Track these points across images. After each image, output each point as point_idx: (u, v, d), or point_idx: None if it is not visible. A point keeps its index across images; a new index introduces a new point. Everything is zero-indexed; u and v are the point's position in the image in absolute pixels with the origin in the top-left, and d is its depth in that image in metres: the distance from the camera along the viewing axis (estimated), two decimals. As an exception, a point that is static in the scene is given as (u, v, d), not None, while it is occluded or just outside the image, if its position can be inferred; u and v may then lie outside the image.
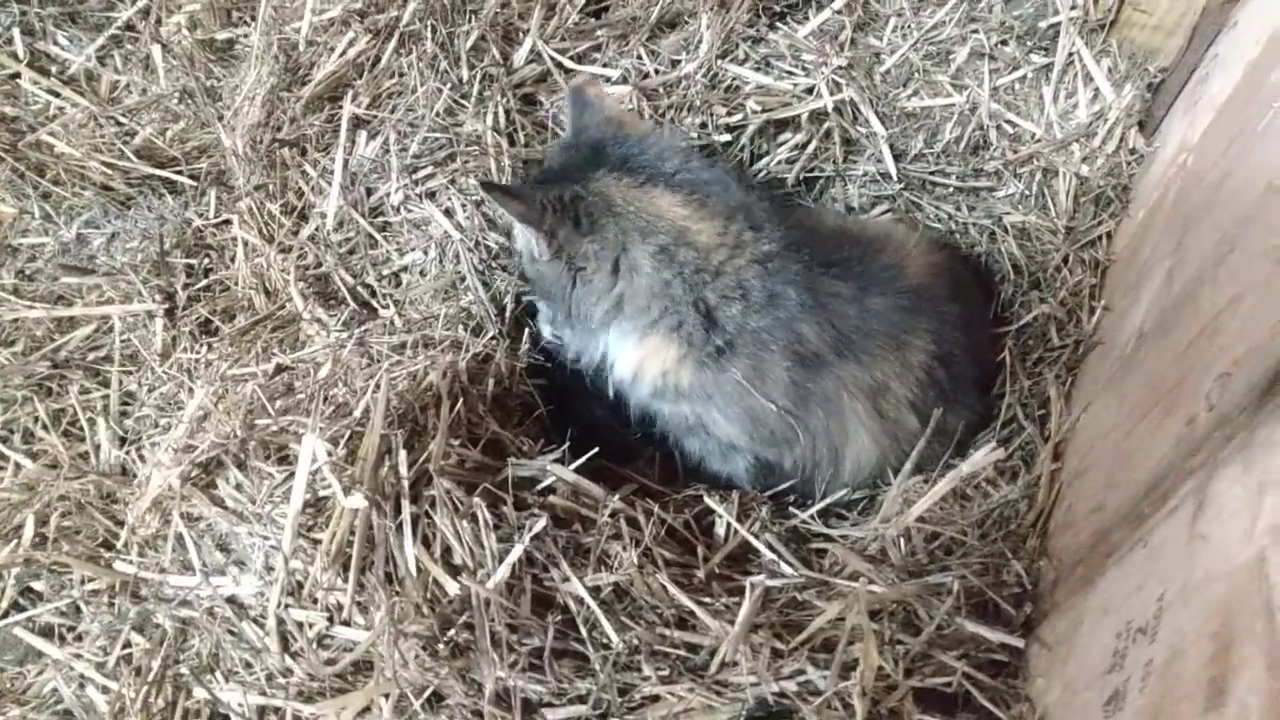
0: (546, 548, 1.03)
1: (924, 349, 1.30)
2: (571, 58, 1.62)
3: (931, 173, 1.66)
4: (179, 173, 1.75)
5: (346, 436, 1.07)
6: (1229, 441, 0.79)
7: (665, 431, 1.40)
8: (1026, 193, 1.63)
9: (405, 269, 1.55)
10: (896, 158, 1.65)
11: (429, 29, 1.54)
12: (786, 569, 1.14)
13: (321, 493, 1.04)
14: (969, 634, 1.02)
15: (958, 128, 1.64)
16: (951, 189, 1.67)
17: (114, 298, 1.55)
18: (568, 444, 1.24)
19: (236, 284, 1.54)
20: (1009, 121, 1.62)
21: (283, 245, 1.52)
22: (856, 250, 1.36)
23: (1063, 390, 1.39)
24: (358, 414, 1.08)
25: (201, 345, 1.47)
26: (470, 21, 1.58)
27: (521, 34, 1.62)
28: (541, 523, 1.03)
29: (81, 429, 1.46)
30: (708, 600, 1.05)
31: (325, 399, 1.09)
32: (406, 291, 1.51)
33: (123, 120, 1.84)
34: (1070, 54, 1.60)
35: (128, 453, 1.43)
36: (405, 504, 1.03)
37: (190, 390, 1.38)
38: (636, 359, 1.27)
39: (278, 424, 1.07)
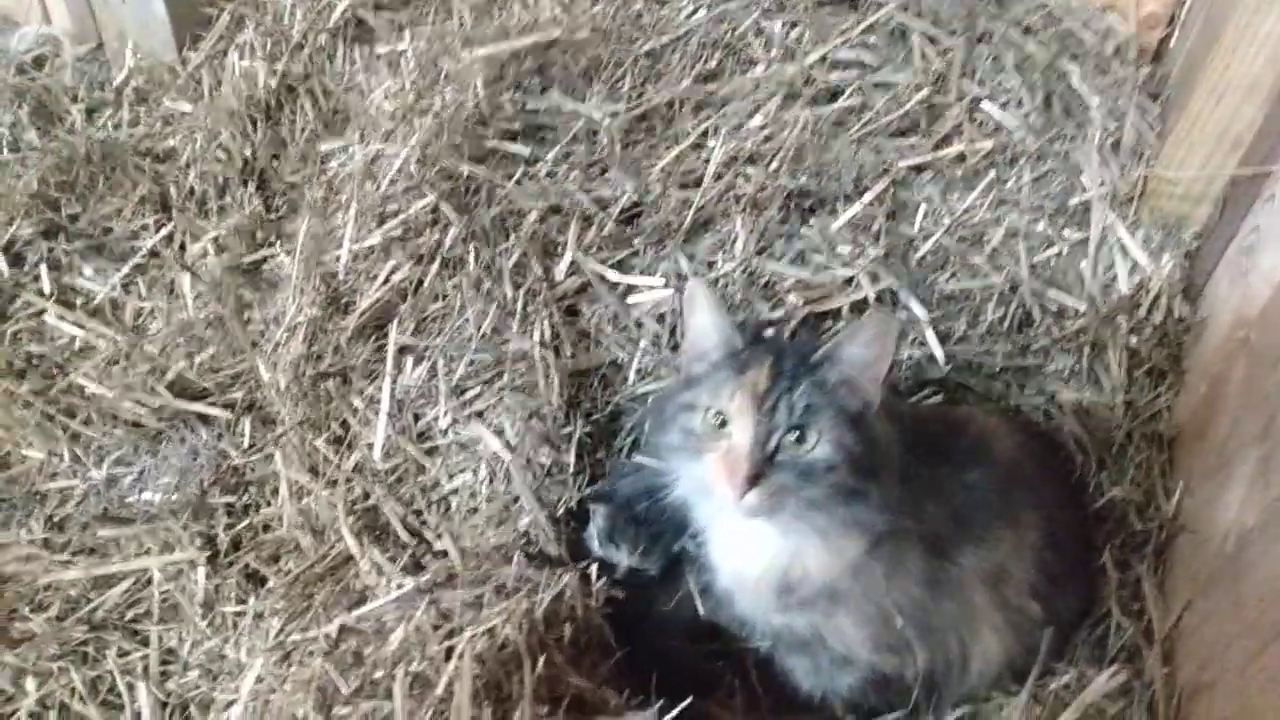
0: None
1: (1034, 526, 1.25)
2: (611, 266, 1.62)
3: (978, 353, 1.64)
4: (212, 404, 1.71)
5: (429, 718, 0.99)
6: None
7: (758, 649, 1.32)
8: (1077, 368, 1.61)
9: (455, 492, 1.50)
10: (941, 340, 1.63)
11: (471, 251, 1.54)
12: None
13: (407, 785, 0.96)
14: None
15: (1000, 307, 1.63)
16: (999, 368, 1.65)
17: (153, 547, 1.49)
18: (664, 687, 1.16)
19: (280, 523, 1.49)
20: (1051, 298, 1.62)
21: (329, 479, 1.47)
22: (941, 429, 1.32)
23: (1155, 582, 1.33)
24: (439, 691, 1.00)
25: (249, 594, 1.40)
26: (510, 240, 1.59)
27: (560, 247, 1.62)
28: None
29: (119, 695, 1.37)
30: None
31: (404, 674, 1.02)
32: (458, 520, 1.46)
33: (152, 354, 1.82)
34: (1104, 228, 1.62)
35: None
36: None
37: (241, 649, 1.30)
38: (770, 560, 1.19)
39: (358, 710, 1.00)
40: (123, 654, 1.40)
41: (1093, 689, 1.13)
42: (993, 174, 1.66)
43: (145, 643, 1.41)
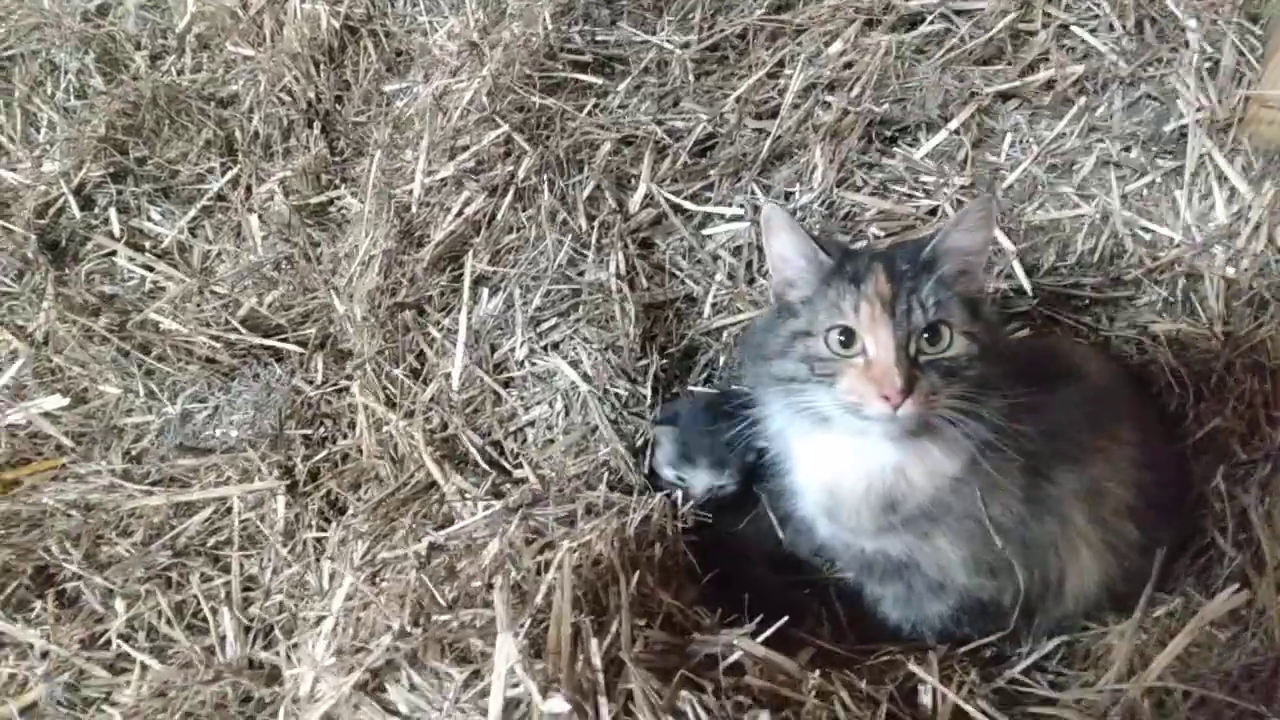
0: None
1: (1130, 443, 1.20)
2: (686, 198, 1.59)
3: (1066, 285, 1.59)
4: (284, 340, 1.71)
5: (526, 626, 0.98)
6: None
7: (844, 577, 1.29)
8: (1171, 299, 1.55)
9: (531, 424, 1.48)
10: (1029, 272, 1.58)
11: (545, 182, 1.51)
12: (1016, 743, 1.02)
13: (509, 693, 0.94)
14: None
15: (1090, 238, 1.58)
16: (1088, 300, 1.60)
17: (232, 476, 1.49)
18: (749, 613, 1.13)
19: (360, 454, 1.48)
20: (1144, 228, 1.56)
21: (407, 410, 1.46)
22: (1033, 354, 1.28)
23: (1264, 511, 1.28)
24: (539, 600, 0.99)
25: (331, 522, 1.39)
26: (584, 171, 1.56)
27: (634, 180, 1.59)
28: (764, 718, 0.92)
29: (205, 620, 1.38)
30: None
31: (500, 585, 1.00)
32: (537, 449, 1.44)
33: (220, 291, 1.82)
34: (1201, 155, 1.55)
35: (255, 643, 1.34)
36: (603, 702, 0.93)
37: (328, 574, 1.30)
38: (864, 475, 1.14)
39: (457, 618, 0.98)
40: (206, 579, 1.40)
41: (1210, 609, 1.08)
42: (1082, 101, 1.61)
43: (227, 569, 1.41)
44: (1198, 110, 1.55)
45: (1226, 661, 1.06)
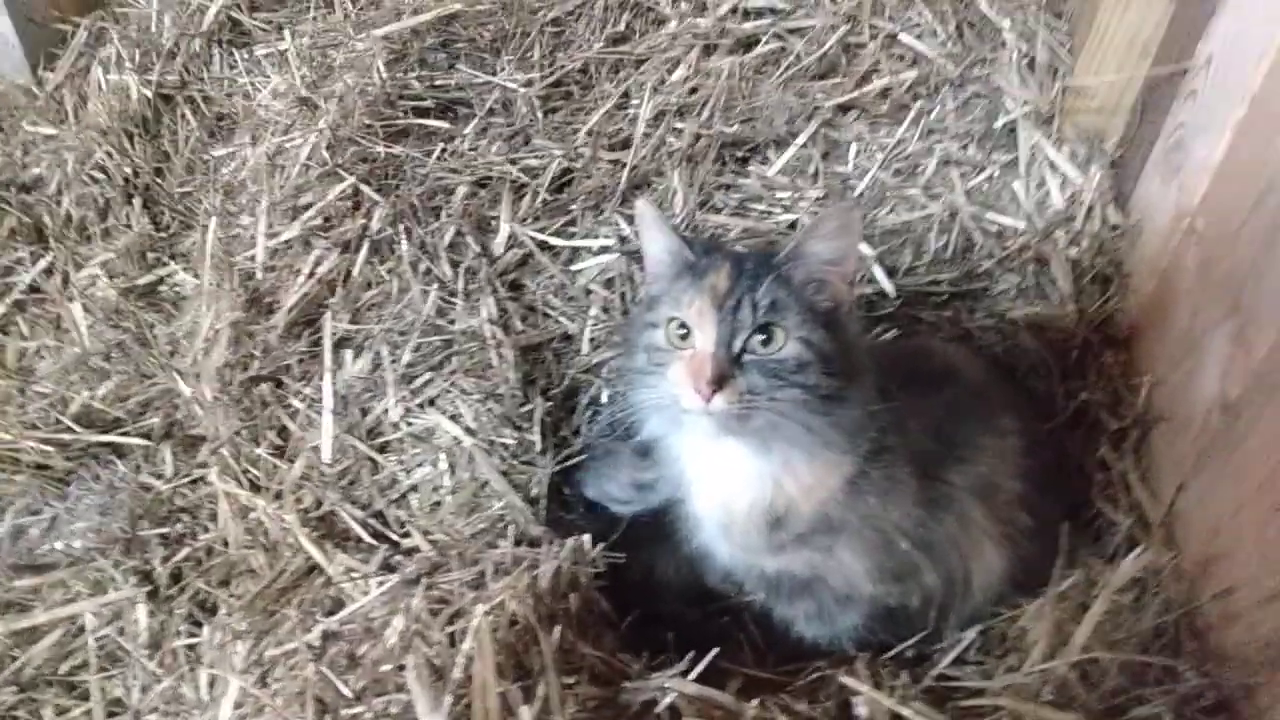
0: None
1: (1013, 432, 1.23)
2: (551, 234, 1.55)
3: (925, 283, 1.63)
4: (125, 434, 1.55)
5: (448, 704, 0.89)
6: None
7: (754, 599, 1.26)
8: (1024, 285, 1.62)
9: (415, 488, 1.39)
10: (889, 274, 1.62)
11: (403, 232, 1.44)
12: (959, 739, 1.01)
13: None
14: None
15: (942, 235, 1.63)
16: (947, 295, 1.65)
17: (81, 591, 1.33)
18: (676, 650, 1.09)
19: (226, 546, 1.35)
20: (990, 221, 1.63)
21: (275, 491, 1.35)
22: (907, 356, 1.30)
23: (1139, 474, 1.34)
24: (458, 674, 0.91)
25: (203, 626, 1.26)
26: (441, 218, 1.50)
27: (494, 221, 1.54)
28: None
29: (65, 760, 1.21)
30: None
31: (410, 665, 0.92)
32: (425, 514, 1.35)
33: (44, 391, 1.64)
34: (1031, 146, 1.64)
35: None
36: (543, 772, 0.86)
37: (206, 683, 1.17)
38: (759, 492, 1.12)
39: (370, 709, 0.89)
40: (61, 711, 1.24)
41: (1120, 574, 1.12)
42: (918, 105, 1.67)
43: (85, 696, 1.25)
44: (1023, 104, 1.64)
45: (1138, 625, 1.08)
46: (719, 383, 0.98)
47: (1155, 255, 1.47)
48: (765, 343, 1.02)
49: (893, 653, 1.20)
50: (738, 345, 1.02)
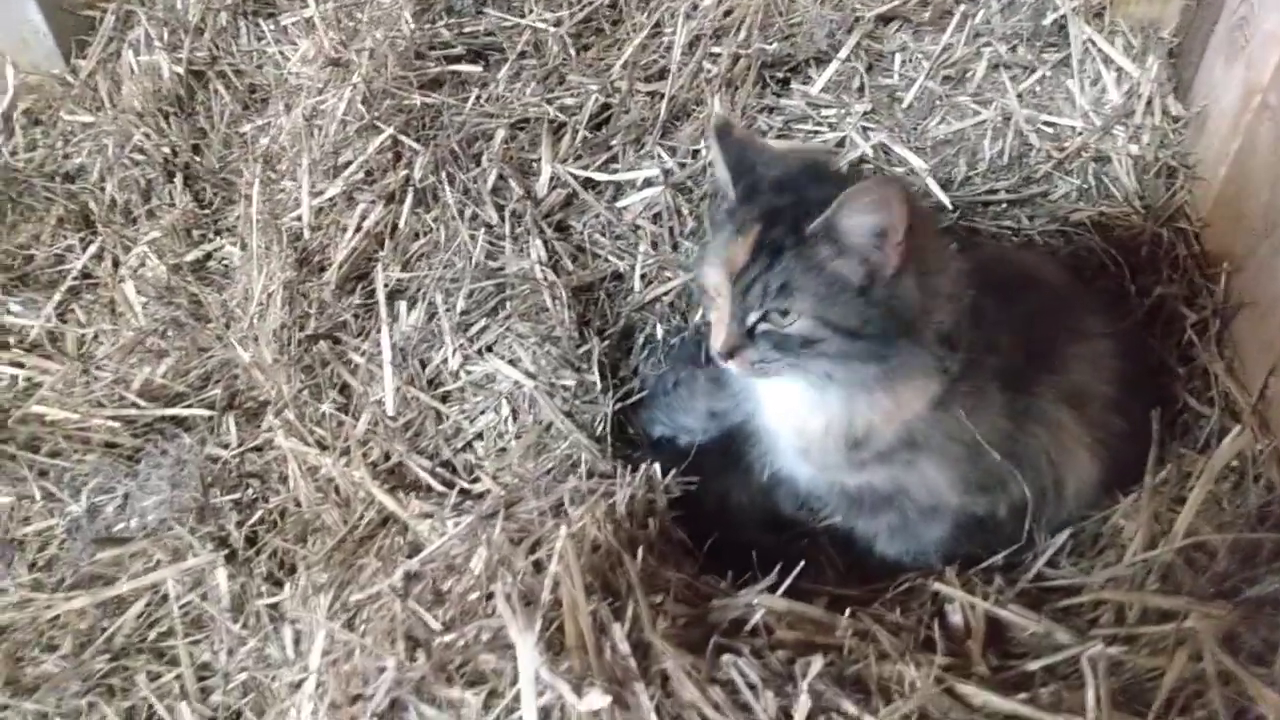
0: (825, 693, 0.85)
1: (1102, 336, 1.19)
2: (594, 172, 1.52)
3: (982, 193, 1.58)
4: (189, 407, 1.56)
5: (539, 627, 0.88)
6: None
7: (833, 523, 1.24)
8: (1085, 186, 1.56)
9: (480, 435, 1.38)
10: (944, 187, 1.57)
11: (445, 179, 1.42)
12: (1062, 637, 0.98)
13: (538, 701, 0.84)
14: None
15: (996, 142, 1.58)
16: (1005, 204, 1.59)
17: (162, 560, 1.34)
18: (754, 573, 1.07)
19: (299, 505, 1.35)
20: (1045, 123, 1.57)
21: (342, 449, 1.34)
22: (979, 265, 1.26)
23: (1225, 364, 1.29)
24: (546, 596, 0.89)
25: (283, 585, 1.26)
26: (482, 163, 1.47)
27: (536, 163, 1.51)
28: (817, 664, 0.85)
29: (162, 722, 1.22)
30: (1024, 695, 0.87)
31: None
32: (492, 460, 1.34)
33: (105, 374, 1.65)
34: (1083, 42, 1.57)
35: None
36: (640, 688, 0.84)
37: (291, 640, 1.17)
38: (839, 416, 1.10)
39: (462, 636, 0.88)
40: (154, 678, 1.25)
41: (1220, 455, 1.07)
42: (962, 9, 1.61)
43: (175, 661, 1.26)
44: (1071, -1, 1.58)
45: (1242, 508, 1.04)
46: (730, 353, 1.03)
47: (1224, 140, 1.41)
48: (783, 313, 1.01)
49: (982, 566, 1.17)
50: (751, 320, 1.02)
